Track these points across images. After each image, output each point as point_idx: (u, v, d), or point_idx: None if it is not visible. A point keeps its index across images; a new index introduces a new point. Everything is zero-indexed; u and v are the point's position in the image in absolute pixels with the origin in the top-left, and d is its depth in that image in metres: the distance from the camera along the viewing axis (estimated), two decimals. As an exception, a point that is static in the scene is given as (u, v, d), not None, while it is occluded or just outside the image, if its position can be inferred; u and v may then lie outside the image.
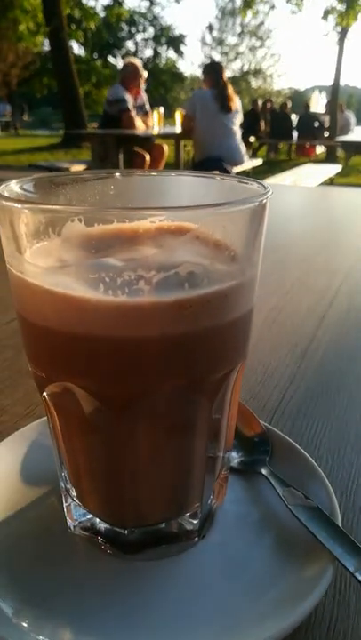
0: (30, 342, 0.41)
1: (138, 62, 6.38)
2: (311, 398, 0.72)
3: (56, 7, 15.80)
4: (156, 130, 6.87)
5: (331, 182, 7.06)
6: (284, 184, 4.09)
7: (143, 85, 6.51)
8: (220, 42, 45.47)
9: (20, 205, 0.37)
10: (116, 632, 0.40)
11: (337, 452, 0.62)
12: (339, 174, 8.14)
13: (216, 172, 0.47)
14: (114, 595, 0.42)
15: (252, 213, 0.38)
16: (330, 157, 12.95)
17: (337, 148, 12.66)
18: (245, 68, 45.07)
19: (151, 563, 0.45)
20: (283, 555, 0.45)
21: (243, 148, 6.06)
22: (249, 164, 6.52)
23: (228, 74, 6.02)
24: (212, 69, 5.86)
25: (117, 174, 0.50)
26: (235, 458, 0.56)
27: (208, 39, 45.52)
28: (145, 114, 6.64)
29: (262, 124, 13.61)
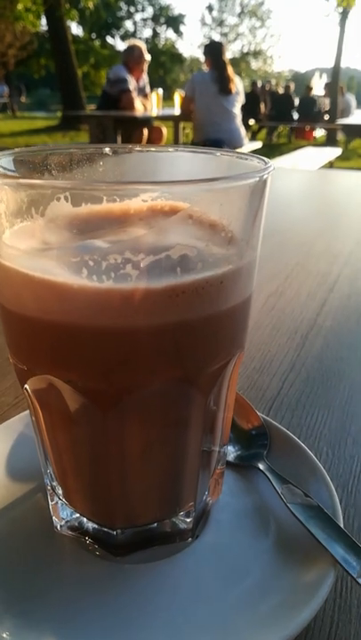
0: (9, 331, 0.38)
1: (142, 45, 6.27)
2: (311, 387, 0.69)
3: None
4: (154, 112, 6.77)
5: (331, 166, 6.99)
6: (283, 167, 4.03)
7: (146, 68, 6.41)
8: (220, 22, 44.82)
9: (-3, 180, 0.34)
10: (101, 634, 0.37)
11: (338, 445, 0.59)
12: (339, 158, 8.05)
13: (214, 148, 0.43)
14: (102, 601, 0.40)
15: (252, 190, 0.34)
16: (330, 141, 12.79)
17: (337, 131, 12.51)
18: (245, 50, 44.48)
19: (142, 566, 0.43)
20: (281, 557, 0.43)
21: (243, 130, 5.97)
22: (248, 147, 6.43)
23: (228, 55, 5.91)
24: (213, 49, 5.75)
25: (107, 149, 0.47)
26: (231, 452, 0.53)
27: (208, 19, 44.87)
28: (145, 96, 6.54)
29: (262, 106, 13.44)
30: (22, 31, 23.16)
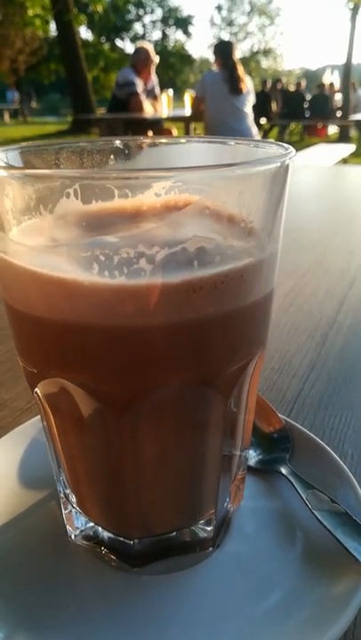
0: (18, 333, 0.36)
1: (150, 47, 6.27)
2: (333, 387, 0.66)
3: (63, -9, 15.58)
4: (165, 113, 6.76)
5: (345, 163, 6.91)
6: (296, 164, 3.98)
7: (154, 70, 6.40)
8: (229, 22, 44.75)
9: (3, 173, 0.32)
10: None
11: (364, 447, 0.56)
12: (353, 154, 7.96)
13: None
14: (119, 614, 0.38)
15: (273, 176, 0.32)
16: (343, 137, 12.68)
17: (350, 127, 12.39)
18: (255, 48, 44.36)
19: (160, 577, 0.40)
20: (308, 568, 0.40)
21: (254, 129, 5.93)
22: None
23: (237, 54, 5.87)
24: (223, 49, 5.72)
25: (117, 142, 0.45)
26: (252, 456, 0.51)
27: (217, 19, 44.84)
28: (154, 98, 6.53)
29: (274, 104, 13.37)
30: (32, 37, 23.33)
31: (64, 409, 0.37)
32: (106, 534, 0.42)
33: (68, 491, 0.43)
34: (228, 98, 5.54)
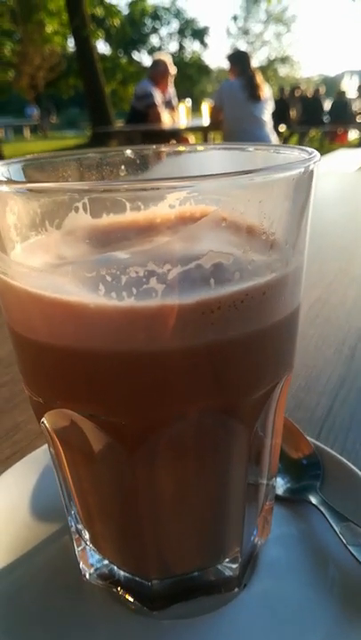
0: (21, 358, 0.34)
1: (168, 59, 6.31)
2: (365, 405, 0.62)
3: (80, 7, 15.81)
4: (183, 123, 6.77)
5: (366, 168, 6.82)
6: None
7: (171, 81, 6.43)
8: (245, 31, 44.92)
9: (4, 188, 0.29)
10: None
11: None
12: (374, 159, 7.84)
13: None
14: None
15: (297, 183, 0.29)
16: (364, 143, 12.53)
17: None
18: (272, 57, 44.41)
19: (182, 622, 0.37)
20: (344, 611, 0.37)
21: (273, 137, 5.89)
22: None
23: (254, 63, 5.86)
24: (238, 59, 5.71)
25: (129, 152, 0.42)
26: (280, 484, 0.47)
27: (233, 29, 45.06)
28: (172, 109, 6.55)
29: (292, 112, 13.31)
30: (50, 53, 23.74)
31: (73, 442, 0.34)
32: (122, 574, 0.39)
33: (80, 526, 0.40)
34: (247, 106, 5.52)
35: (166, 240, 0.29)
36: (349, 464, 0.47)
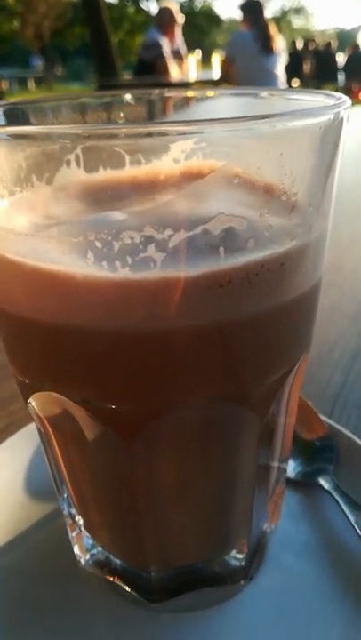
0: (2, 333, 0.30)
1: (174, 6, 6.05)
2: (380, 379, 0.58)
3: None
4: (192, 76, 6.53)
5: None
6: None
7: (179, 30, 6.18)
8: (259, -20, 43.01)
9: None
10: None
11: None
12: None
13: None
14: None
15: (325, 133, 0.24)
16: (380, 99, 12.11)
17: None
18: (286, 7, 42.63)
19: (183, 616, 0.34)
20: (357, 607, 0.34)
21: (285, 91, 5.68)
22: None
23: (267, 13, 5.61)
24: (251, 9, 5.46)
25: (127, 96, 0.37)
26: (291, 467, 0.44)
27: (246, -23, 43.16)
28: (180, 59, 6.31)
29: (306, 66, 12.84)
30: (56, 1, 22.87)
31: (64, 427, 0.31)
32: (119, 562, 0.36)
33: (73, 511, 0.37)
34: (259, 58, 5.31)
35: (168, 199, 0.24)
36: (365, 445, 0.43)
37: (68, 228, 0.24)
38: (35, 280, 0.24)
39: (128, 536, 0.34)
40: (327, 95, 0.29)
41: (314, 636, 0.33)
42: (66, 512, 0.38)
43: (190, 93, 0.37)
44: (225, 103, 0.37)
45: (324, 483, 0.42)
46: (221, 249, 0.23)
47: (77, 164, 0.31)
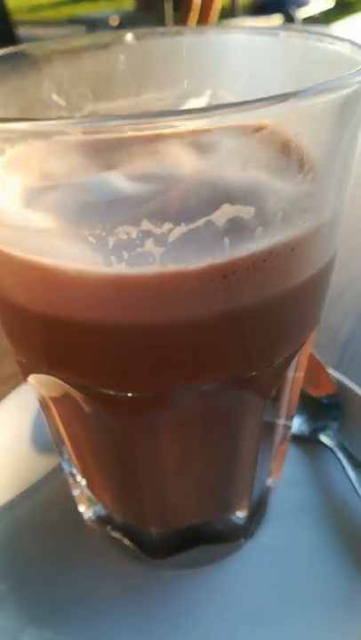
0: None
1: None
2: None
3: None
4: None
5: None
6: None
7: None
8: None
9: None
10: None
11: None
12: None
13: (277, 18, 0.28)
14: (136, 614, 0.33)
15: (346, 103, 0.21)
16: None
17: None
18: None
19: (185, 572, 0.36)
20: (354, 566, 0.34)
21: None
22: (317, 6, 5.59)
23: None
24: None
25: (129, 37, 0.33)
26: (295, 423, 0.44)
27: None
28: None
29: None
30: None
31: (64, 404, 0.30)
32: (121, 520, 0.37)
33: (74, 471, 0.37)
34: None
35: (171, 162, 0.22)
36: (373, 405, 0.43)
37: (58, 212, 0.22)
38: (24, 271, 0.22)
39: (130, 501, 0.35)
40: (351, 44, 0.26)
41: (312, 593, 0.34)
42: (67, 471, 0.38)
43: (204, 32, 0.33)
44: (241, 44, 0.33)
45: (326, 439, 0.42)
46: (226, 240, 0.21)
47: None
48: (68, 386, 0.27)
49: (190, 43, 0.33)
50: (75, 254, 0.21)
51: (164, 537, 0.36)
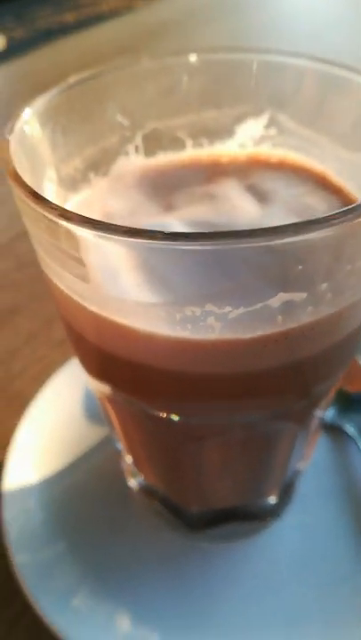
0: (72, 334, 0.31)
1: None
2: None
3: None
4: None
5: None
6: None
7: None
8: None
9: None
10: (173, 620, 0.36)
11: None
12: None
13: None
14: (176, 578, 0.39)
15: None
16: None
17: None
18: None
19: (219, 546, 0.41)
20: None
21: None
22: None
23: None
24: None
25: (192, 57, 0.33)
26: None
27: None
28: None
29: None
30: None
31: (121, 406, 0.34)
32: (164, 495, 0.42)
33: (120, 448, 0.41)
34: None
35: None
36: None
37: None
38: (98, 323, 0.25)
39: (174, 484, 0.39)
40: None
41: (329, 569, 0.38)
42: (116, 447, 0.43)
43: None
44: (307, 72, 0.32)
45: (350, 429, 0.45)
46: (279, 318, 0.23)
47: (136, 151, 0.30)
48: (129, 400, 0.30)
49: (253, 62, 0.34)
50: (145, 319, 0.24)
51: (202, 514, 0.41)
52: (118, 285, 0.23)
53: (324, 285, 0.23)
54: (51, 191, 0.29)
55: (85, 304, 0.25)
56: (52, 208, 0.21)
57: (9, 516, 0.40)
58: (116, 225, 0.19)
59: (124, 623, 0.36)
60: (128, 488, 0.44)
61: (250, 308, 0.22)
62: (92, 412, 0.49)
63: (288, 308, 0.23)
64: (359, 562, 0.39)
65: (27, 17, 1.85)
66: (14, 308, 0.63)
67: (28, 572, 0.37)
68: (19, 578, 0.37)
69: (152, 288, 0.23)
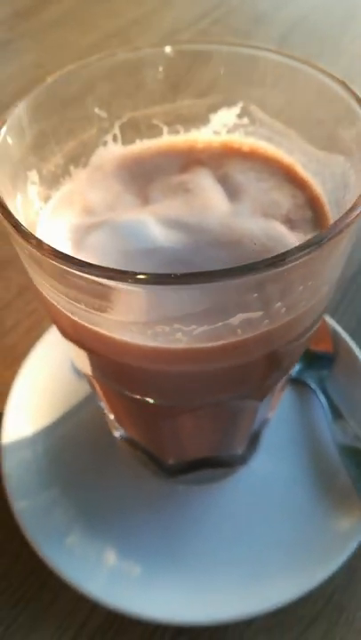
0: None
1: None
2: None
3: None
4: None
5: None
6: None
7: None
8: None
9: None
10: (157, 556, 0.42)
11: None
12: None
13: None
14: (156, 517, 0.45)
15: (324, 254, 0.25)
16: None
17: None
18: None
19: (194, 488, 0.46)
20: (320, 502, 0.44)
21: None
22: None
23: None
24: None
25: (168, 49, 0.34)
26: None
27: None
28: None
29: None
30: None
31: (102, 382, 0.38)
32: (144, 446, 0.47)
33: (102, 404, 0.45)
34: None
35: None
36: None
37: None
38: (84, 331, 0.29)
39: (153, 441, 0.44)
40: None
41: (287, 511, 0.45)
42: (98, 405, 0.47)
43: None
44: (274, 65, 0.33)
45: (312, 383, 0.50)
46: (238, 331, 0.27)
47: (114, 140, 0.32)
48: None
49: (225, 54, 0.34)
50: (121, 332, 0.27)
51: (178, 463, 0.46)
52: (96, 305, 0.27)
53: (279, 304, 0.26)
54: (34, 193, 0.32)
55: (68, 314, 0.28)
56: (38, 246, 0.23)
57: (8, 466, 0.46)
58: (94, 268, 0.22)
59: (111, 557, 0.42)
60: (113, 438, 0.49)
61: (212, 326, 0.26)
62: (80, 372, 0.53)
63: (246, 323, 0.26)
64: (317, 502, 0.44)
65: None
66: (5, 261, 0.65)
67: (26, 516, 0.42)
68: (18, 522, 0.42)
69: (126, 311, 0.26)
